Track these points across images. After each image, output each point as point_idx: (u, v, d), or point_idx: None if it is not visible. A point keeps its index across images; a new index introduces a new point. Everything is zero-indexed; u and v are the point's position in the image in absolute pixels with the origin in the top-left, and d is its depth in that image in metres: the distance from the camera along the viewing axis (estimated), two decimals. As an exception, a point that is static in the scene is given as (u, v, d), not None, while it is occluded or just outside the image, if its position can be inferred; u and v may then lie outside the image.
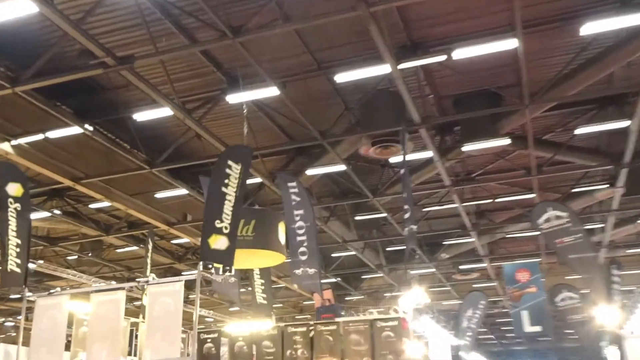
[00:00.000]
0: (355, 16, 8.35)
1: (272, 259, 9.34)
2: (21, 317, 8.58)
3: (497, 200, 16.83)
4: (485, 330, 33.55)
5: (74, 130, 11.45)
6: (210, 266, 6.91)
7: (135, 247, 19.13)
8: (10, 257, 8.21)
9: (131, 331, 9.71)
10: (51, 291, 8.13)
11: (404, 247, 18.79)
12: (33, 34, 9.73)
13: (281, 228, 9.09)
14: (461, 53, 9.42)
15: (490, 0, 9.30)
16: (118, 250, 20.42)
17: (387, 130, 11.62)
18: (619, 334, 12.07)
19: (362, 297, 25.65)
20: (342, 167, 13.45)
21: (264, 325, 10.06)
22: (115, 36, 9.77)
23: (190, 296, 16.22)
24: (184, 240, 18.58)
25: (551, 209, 11.72)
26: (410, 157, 12.70)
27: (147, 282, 7.30)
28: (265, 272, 12.21)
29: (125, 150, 12.71)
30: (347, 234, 18.15)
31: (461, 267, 23.32)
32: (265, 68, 9.82)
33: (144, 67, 10.33)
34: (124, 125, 12.32)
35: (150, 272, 13.23)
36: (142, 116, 11.41)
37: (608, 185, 14.98)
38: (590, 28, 8.85)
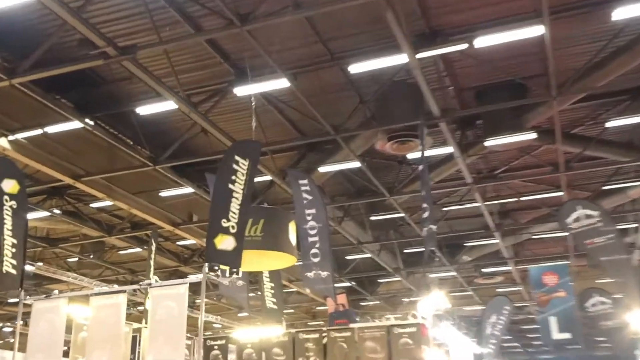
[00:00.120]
0: (370, 2, 8.29)
1: (282, 261, 9.31)
2: (17, 322, 8.60)
3: (522, 198, 16.74)
4: (510, 337, 33.33)
5: (74, 125, 11.47)
6: (216, 268, 6.90)
7: (138, 249, 19.21)
8: (5, 258, 8.25)
9: (134, 337, 9.73)
10: (49, 294, 8.14)
11: (423, 249, 18.99)
12: (30, 22, 9.77)
13: (292, 228, 9.05)
14: (483, 41, 9.33)
15: (515, -16, 9.22)
16: (121, 252, 20.52)
17: (405, 124, 11.56)
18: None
19: (379, 302, 25.62)
20: (356, 164, 13.40)
21: (274, 332, 10.05)
22: (117, 25, 9.78)
23: (196, 301, 16.27)
24: (190, 241, 18.63)
25: (581, 208, 11.62)
26: (429, 152, 12.67)
27: (149, 284, 7.30)
28: (275, 275, 12.20)
29: (128, 146, 12.75)
30: (362, 235, 18.11)
31: (484, 270, 23.25)
32: (275, 58, 9.80)
33: (147, 58, 10.35)
34: (126, 120, 12.36)
35: (154, 274, 13.26)
36: (145, 110, 11.43)
37: (642, 183, 14.82)
38: (622, 13, 8.74)
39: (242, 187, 7.27)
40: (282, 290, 12.94)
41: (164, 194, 15.04)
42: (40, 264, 19.40)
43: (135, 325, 9.77)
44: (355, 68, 10.18)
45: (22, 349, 8.46)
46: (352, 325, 9.42)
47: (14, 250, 8.33)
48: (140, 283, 7.47)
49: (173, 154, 12.76)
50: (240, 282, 11.68)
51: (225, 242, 6.98)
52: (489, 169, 15.34)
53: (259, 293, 12.42)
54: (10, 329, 25.25)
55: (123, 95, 11.91)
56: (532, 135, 12.15)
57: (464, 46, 9.53)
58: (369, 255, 19.46)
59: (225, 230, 7.04)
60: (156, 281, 7.33)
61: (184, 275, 20.67)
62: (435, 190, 15.03)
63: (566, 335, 13.45)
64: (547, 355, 38.13)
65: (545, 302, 13.99)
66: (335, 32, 10.17)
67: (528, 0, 9.35)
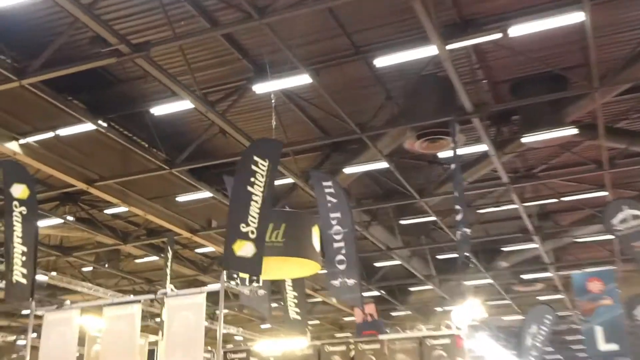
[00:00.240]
0: (396, -9, 8.24)
1: (305, 268, 9.26)
2: (28, 334, 8.65)
3: (563, 199, 16.58)
4: (552, 349, 32.92)
5: (87, 127, 11.57)
6: (235, 276, 6.87)
7: (155, 257, 19.31)
8: (15, 267, 8.31)
9: (151, 351, 9.76)
10: (60, 305, 8.18)
11: (457, 254, 18.88)
12: (40, 20, 9.87)
13: (315, 233, 9.00)
14: (519, 30, 9.20)
15: (552, -32, 9.09)
16: (137, 261, 20.66)
17: (435, 121, 11.44)
18: None
19: (409, 312, 25.50)
20: (384, 165, 13.32)
21: (298, 344, 10.01)
22: (130, 21, 9.84)
23: (216, 312, 16.30)
24: (209, 249, 18.68)
25: (627, 208, 11.42)
26: (462, 151, 12.55)
27: (165, 294, 7.29)
28: (298, 284, 12.17)
29: (143, 149, 12.82)
30: (391, 240, 18.03)
31: (523, 277, 23.01)
32: (296, 53, 9.77)
33: (161, 56, 10.41)
34: (141, 121, 12.44)
35: (171, 283, 13.30)
36: (160, 110, 11.50)
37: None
38: (670, -4, 8.54)
39: (261, 189, 7.24)
40: (306, 299, 12.91)
41: (181, 198, 15.09)
42: (54, 273, 19.61)
43: (152, 337, 9.79)
44: (382, 62, 10.12)
45: (33, 363, 8.53)
46: (381, 337, 9.36)
47: (24, 258, 8.38)
48: (156, 292, 7.47)
49: (190, 157, 12.79)
50: (262, 291, 11.66)
51: (244, 249, 6.96)
52: (527, 168, 15.18)
53: (282, 303, 12.38)
54: (24, 342, 25.57)
55: (137, 95, 11.99)
56: (573, 131, 12.01)
57: (497, 36, 9.40)
58: (398, 262, 19.37)
59: (245, 236, 7.02)
60: (172, 290, 7.33)
61: (203, 284, 20.74)
62: (469, 192, 14.92)
63: (613, 347, 13.19)
64: (593, 368, 37.59)
65: (589, 310, 13.74)
66: (359, 23, 10.11)
67: (566, -15, 9.22)
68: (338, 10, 9.69)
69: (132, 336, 7.33)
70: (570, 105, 11.68)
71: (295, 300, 12.17)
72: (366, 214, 16.67)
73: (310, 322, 24.23)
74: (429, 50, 9.56)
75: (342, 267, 9.86)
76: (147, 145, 13.00)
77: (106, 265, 20.61)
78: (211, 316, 18.74)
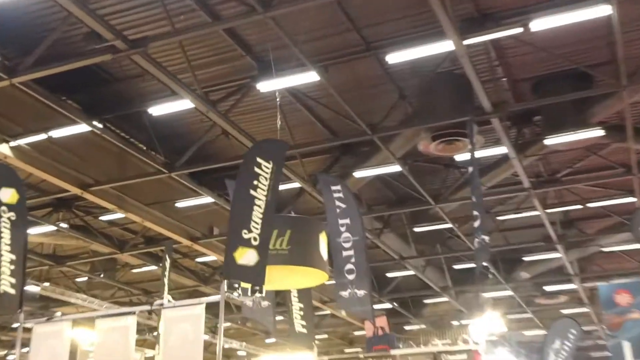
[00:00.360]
0: (409, -18, 8.21)
1: (312, 277, 9.23)
2: (16, 348, 8.64)
3: (588, 205, 16.53)
4: (576, 366, 32.79)
5: (81, 128, 11.59)
6: (236, 286, 6.82)
7: (154, 267, 19.35)
8: (3, 276, 8.31)
9: (148, 366, 9.75)
10: (50, 316, 8.16)
11: (474, 264, 18.82)
12: (31, 16, 9.88)
13: (323, 240, 8.97)
14: (541, 24, 9.17)
15: (577, -42, 9.03)
16: (134, 271, 20.70)
17: (452, 121, 11.42)
18: None
19: (424, 325, 25.43)
20: (397, 168, 13.31)
21: (304, 359, 9.96)
22: (127, 16, 9.85)
23: (218, 325, 16.27)
24: (211, 258, 18.70)
25: (658, 215, 11.31)
26: (480, 153, 12.56)
27: (161, 305, 7.26)
28: (304, 295, 12.14)
29: (141, 152, 12.83)
30: (404, 249, 17.99)
31: (545, 288, 23.00)
32: (303, 49, 9.75)
33: (160, 53, 10.43)
34: (138, 122, 12.46)
35: (169, 294, 13.30)
36: (159, 110, 11.50)
37: None
38: None
39: (265, 193, 7.22)
40: (314, 312, 12.87)
41: (181, 204, 15.10)
42: (46, 284, 19.66)
43: (149, 352, 9.77)
44: (394, 58, 10.10)
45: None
46: (393, 352, 9.31)
47: (12, 267, 8.37)
48: (152, 303, 7.43)
49: (190, 160, 12.78)
50: (265, 303, 11.64)
51: (246, 256, 6.92)
52: (550, 172, 15.13)
53: (287, 315, 12.34)
54: (14, 357, 25.65)
55: (134, 94, 12.00)
56: (599, 132, 11.99)
57: (518, 30, 9.35)
58: (412, 272, 19.33)
59: (247, 243, 6.98)
60: (169, 301, 7.30)
61: (203, 296, 20.71)
62: (488, 197, 14.85)
63: (643, 363, 13.13)
64: (621, 386, 37.34)
65: (617, 325, 13.69)
66: (370, 17, 10.07)
67: (592, -24, 9.16)
68: (348, 3, 9.67)
69: (127, 350, 7.30)
70: (596, 105, 11.65)
71: (301, 313, 12.13)
72: (378, 221, 16.64)
73: (318, 336, 24.21)
74: (445, 46, 9.50)
75: (351, 277, 9.80)
76: (145, 148, 13.02)
77: (102, 276, 20.63)
78: (212, 329, 18.72)
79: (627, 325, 13.41)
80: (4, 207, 8.56)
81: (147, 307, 7.73)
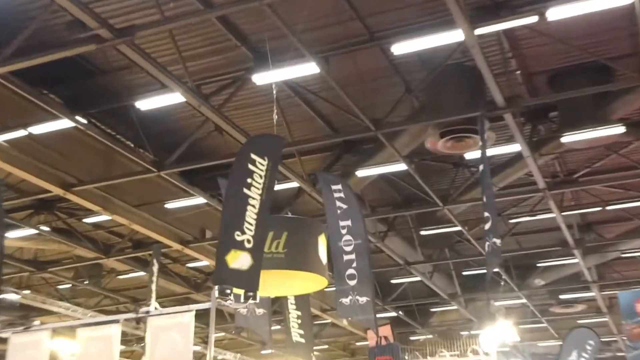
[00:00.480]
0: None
1: (310, 283, 9.23)
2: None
3: (608, 208, 16.52)
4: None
5: (64, 124, 11.58)
6: (228, 292, 6.78)
7: (142, 273, 19.33)
8: (-23, 282, 8.28)
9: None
10: (28, 326, 8.14)
11: (485, 270, 18.83)
12: (10, 4, 9.86)
13: (322, 242, 8.95)
14: (558, 12, 9.14)
15: (596, -59, 9.01)
16: (121, 277, 20.73)
17: (461, 116, 11.43)
18: None
19: (431, 335, 25.52)
20: (402, 167, 13.32)
21: (302, 371, 9.95)
22: (112, 3, 9.83)
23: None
24: (203, 263, 18.70)
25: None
26: (492, 151, 12.56)
27: (147, 312, 7.23)
28: (302, 302, 12.13)
29: (128, 149, 12.84)
30: (410, 253, 18.04)
31: (561, 296, 23.07)
32: (302, 39, 9.73)
33: (149, 43, 10.42)
34: (125, 117, 12.47)
35: (157, 302, 13.26)
36: (147, 104, 11.49)
37: None
38: None
39: (259, 192, 7.20)
40: (312, 320, 12.85)
41: (170, 205, 15.12)
42: (27, 292, 19.63)
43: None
44: (400, 49, 10.11)
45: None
46: (398, 364, 9.24)
47: (-12, 273, 8.36)
48: (138, 311, 7.41)
49: (181, 158, 12.78)
50: (260, 311, 11.61)
51: (239, 260, 6.88)
52: (567, 172, 15.17)
53: (284, 324, 12.33)
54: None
55: (121, 87, 11.99)
56: (620, 129, 11.97)
57: (533, 19, 9.34)
58: (418, 278, 19.38)
59: (239, 245, 6.94)
60: (156, 309, 7.27)
61: (196, 303, 20.72)
62: (500, 198, 14.88)
63: (665, 377, 13.16)
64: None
65: (638, 335, 13.72)
66: (374, 5, 10.07)
67: (613, -39, 9.16)
68: (350, -11, 9.69)
69: (111, 360, 7.28)
70: (616, 100, 11.66)
71: (299, 321, 12.12)
72: (382, 223, 16.68)
73: (317, 347, 24.16)
74: (455, 36, 9.51)
75: (352, 282, 9.77)
76: (132, 145, 13.04)
77: (86, 282, 20.64)
78: (204, 340, 18.67)
79: (648, 336, 13.44)
80: (-21, 208, 8.55)
81: (132, 315, 7.69)
